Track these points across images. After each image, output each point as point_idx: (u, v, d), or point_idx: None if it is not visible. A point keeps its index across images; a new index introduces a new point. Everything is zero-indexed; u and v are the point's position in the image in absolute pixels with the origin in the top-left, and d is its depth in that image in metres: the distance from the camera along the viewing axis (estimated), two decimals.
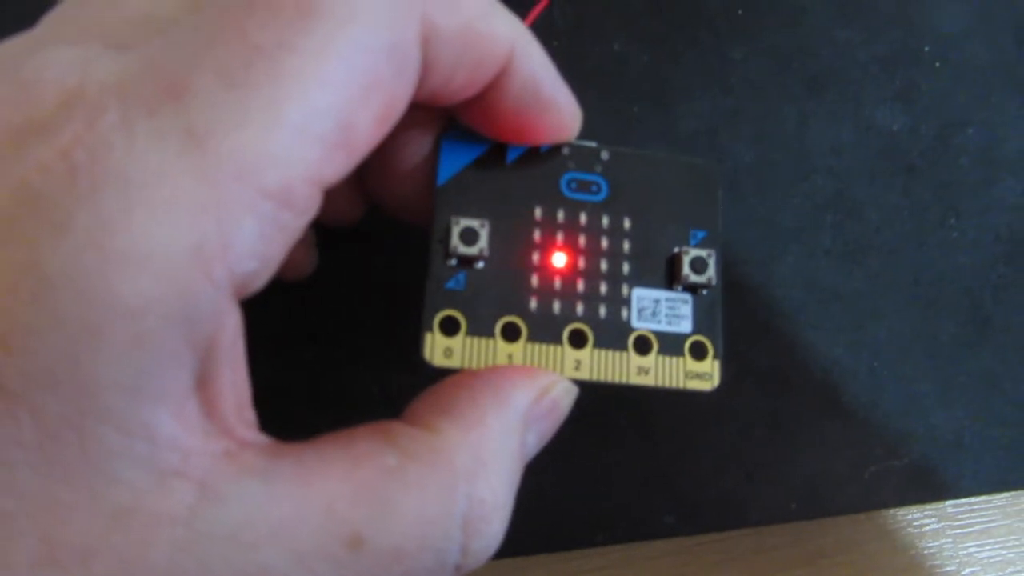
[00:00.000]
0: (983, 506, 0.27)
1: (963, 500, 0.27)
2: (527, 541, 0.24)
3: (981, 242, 0.28)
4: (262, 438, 0.14)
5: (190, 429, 0.13)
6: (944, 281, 0.27)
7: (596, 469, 0.25)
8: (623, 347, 0.19)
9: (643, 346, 0.19)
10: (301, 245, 0.23)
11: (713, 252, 0.20)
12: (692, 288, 0.20)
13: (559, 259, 0.19)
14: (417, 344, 0.18)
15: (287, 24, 0.13)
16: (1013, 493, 0.27)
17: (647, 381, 0.19)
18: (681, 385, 0.19)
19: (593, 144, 0.20)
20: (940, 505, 0.27)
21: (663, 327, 0.19)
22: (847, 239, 0.27)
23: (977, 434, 0.26)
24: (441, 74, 0.16)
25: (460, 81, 0.16)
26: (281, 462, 0.14)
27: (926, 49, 0.30)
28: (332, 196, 0.21)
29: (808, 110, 0.29)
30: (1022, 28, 0.30)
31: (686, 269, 0.19)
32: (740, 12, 0.30)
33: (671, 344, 0.19)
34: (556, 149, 0.20)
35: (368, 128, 0.14)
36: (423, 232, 0.19)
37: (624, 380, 0.19)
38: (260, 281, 0.14)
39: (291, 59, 0.13)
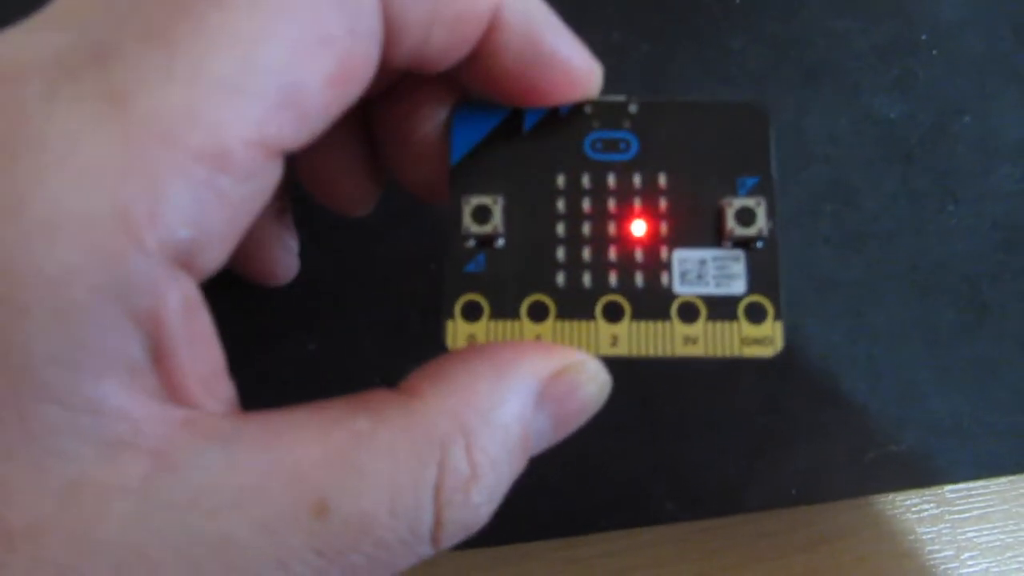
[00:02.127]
0: (981, 491, 0.28)
1: (961, 485, 0.27)
2: (529, 528, 0.24)
3: (978, 229, 0.28)
4: (232, 409, 0.14)
5: (142, 400, 0.12)
6: (942, 268, 0.28)
7: (597, 455, 0.25)
8: (665, 316, 0.17)
9: (689, 313, 0.17)
10: (276, 246, 0.23)
11: (763, 200, 0.18)
12: (743, 243, 0.18)
13: (586, 228, 0.18)
14: (438, 332, 0.17)
15: None
16: (1011, 478, 0.27)
17: (696, 351, 0.17)
18: (737, 352, 0.17)
19: (621, 97, 0.19)
20: (939, 490, 0.27)
21: (711, 290, 0.18)
22: (845, 227, 0.28)
23: (975, 419, 0.26)
24: (414, 32, 0.15)
25: (440, 40, 0.15)
26: (246, 428, 0.13)
27: (923, 38, 0.30)
28: (343, 184, 0.21)
29: (806, 99, 0.29)
30: (1019, 17, 0.31)
31: (731, 222, 0.17)
32: (738, 2, 0.30)
33: (722, 308, 0.17)
34: (578, 109, 0.18)
35: (319, 88, 0.13)
36: (426, 213, 0.19)
37: (669, 353, 0.17)
38: (212, 255, 0.13)
39: (219, 14, 0.12)
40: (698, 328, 0.17)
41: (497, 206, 0.18)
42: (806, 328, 0.26)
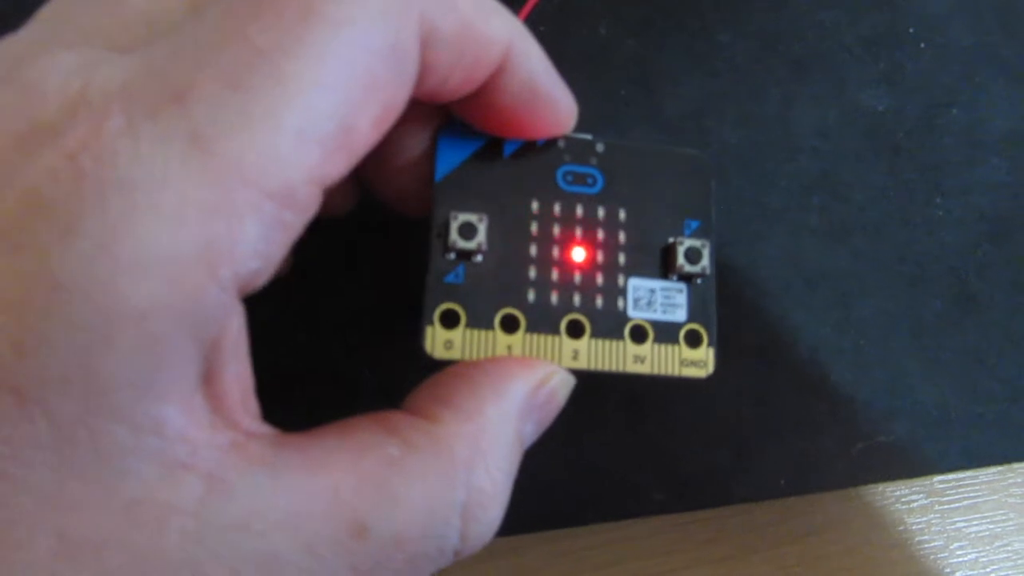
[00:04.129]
0: (970, 481, 0.28)
1: (950, 476, 0.27)
2: (519, 521, 0.24)
3: (965, 221, 0.28)
4: (266, 428, 0.15)
5: (197, 423, 0.13)
6: (929, 259, 0.28)
7: (586, 448, 0.25)
8: (620, 336, 0.19)
9: (639, 335, 0.19)
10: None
11: (707, 242, 0.20)
12: (687, 277, 0.20)
13: (556, 251, 0.20)
14: (418, 337, 0.18)
15: (288, 28, 0.13)
16: (999, 468, 0.28)
17: (643, 369, 0.19)
18: (676, 372, 0.19)
19: (588, 137, 0.20)
20: (928, 481, 0.27)
21: (659, 316, 0.20)
22: (833, 219, 0.28)
23: (963, 410, 0.26)
24: (439, 73, 0.16)
25: (458, 79, 0.17)
26: (286, 453, 0.14)
27: (911, 30, 0.30)
28: (328, 191, 0.21)
29: (793, 92, 0.29)
30: (1006, 9, 0.31)
31: (681, 259, 0.20)
32: None
33: (666, 332, 0.20)
34: (552, 142, 0.20)
35: (367, 128, 0.14)
36: (417, 221, 0.19)
37: (621, 369, 0.19)
38: (262, 279, 0.14)
39: (292, 63, 0.13)
40: (646, 348, 0.19)
41: (482, 224, 0.19)
42: (794, 319, 0.27)
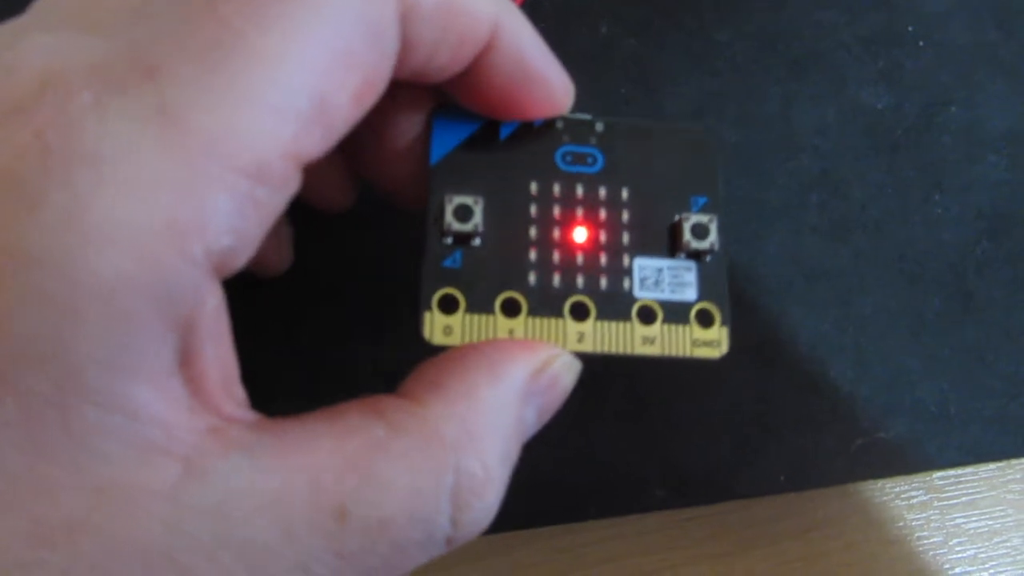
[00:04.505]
0: (970, 477, 0.28)
1: (950, 472, 0.27)
2: (519, 515, 0.24)
3: (964, 218, 0.28)
4: (250, 414, 0.14)
5: (174, 405, 0.13)
6: (928, 257, 0.28)
7: (586, 444, 0.25)
8: (627, 317, 0.19)
9: (647, 316, 0.19)
10: (275, 241, 0.23)
11: (715, 217, 0.19)
12: (695, 255, 0.19)
13: (556, 233, 0.19)
14: (416, 323, 0.18)
15: (260, 3, 0.13)
16: (999, 464, 0.28)
17: (653, 351, 0.19)
18: (688, 353, 0.19)
19: (587, 116, 0.20)
20: (927, 477, 0.28)
21: (667, 296, 0.19)
22: (832, 217, 0.28)
23: (962, 406, 0.27)
24: (422, 51, 0.16)
25: (443, 58, 0.16)
26: (267, 436, 0.14)
27: (909, 29, 0.30)
28: (322, 181, 0.21)
29: (793, 91, 0.29)
30: (1004, 8, 0.31)
31: (687, 235, 0.19)
32: None
33: (676, 312, 0.19)
34: (550, 123, 0.20)
35: (345, 105, 0.14)
36: (418, 214, 0.19)
37: (629, 351, 0.19)
38: (240, 259, 0.14)
39: (264, 37, 0.13)
40: (655, 329, 0.19)
41: (478, 206, 0.18)
42: (794, 317, 0.27)
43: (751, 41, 0.29)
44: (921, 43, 0.30)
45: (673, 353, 0.19)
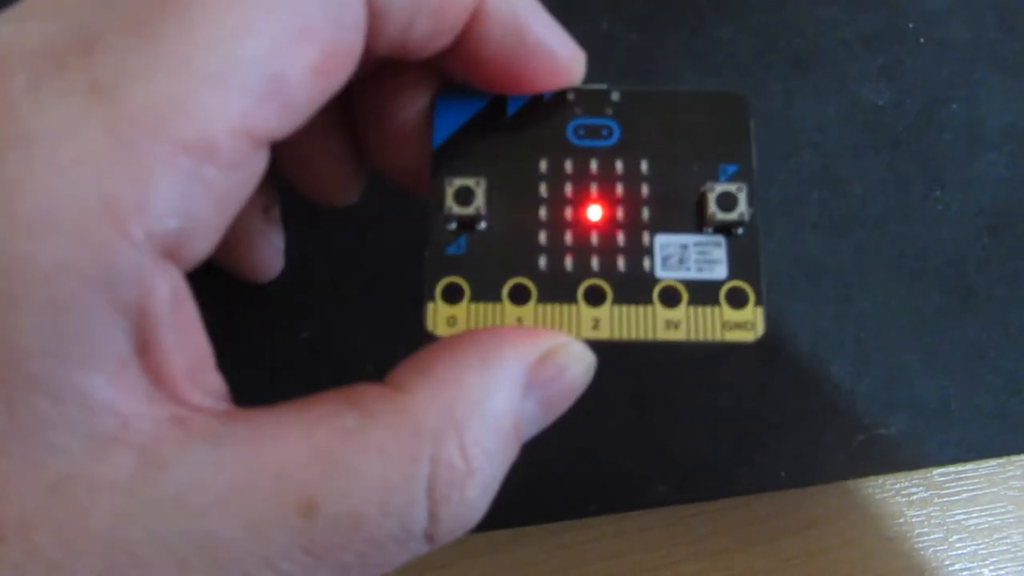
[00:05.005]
0: (970, 474, 0.28)
1: (950, 468, 0.27)
2: (520, 512, 0.24)
3: (965, 215, 0.28)
4: (222, 404, 0.14)
5: (130, 394, 0.12)
6: (929, 253, 0.28)
7: (588, 441, 0.25)
8: (648, 300, 0.17)
9: (671, 298, 0.17)
10: (262, 243, 0.23)
11: (744, 186, 0.18)
12: (724, 228, 0.18)
13: (569, 212, 0.18)
14: (419, 315, 0.17)
15: None
16: (999, 460, 0.28)
17: (678, 336, 0.17)
18: (719, 337, 0.17)
19: (602, 86, 0.19)
20: (928, 473, 0.28)
21: (693, 275, 0.17)
22: (833, 213, 0.28)
23: (963, 403, 0.27)
24: (397, 20, 0.15)
25: (424, 29, 0.15)
26: (233, 426, 0.13)
27: (910, 26, 0.30)
28: (326, 173, 0.21)
29: (794, 87, 0.29)
30: (1004, 5, 0.31)
31: (712, 207, 0.17)
32: None
33: (704, 293, 0.17)
34: (560, 96, 0.18)
35: (304, 79, 0.13)
36: (422, 205, 0.18)
37: (651, 337, 0.17)
38: (198, 245, 0.13)
39: (203, 7, 0.12)
40: (680, 312, 0.17)
41: (480, 188, 0.18)
42: (795, 313, 0.27)
43: (752, 38, 0.29)
44: (922, 40, 0.30)
45: (701, 338, 0.17)
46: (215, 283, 0.14)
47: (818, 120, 0.29)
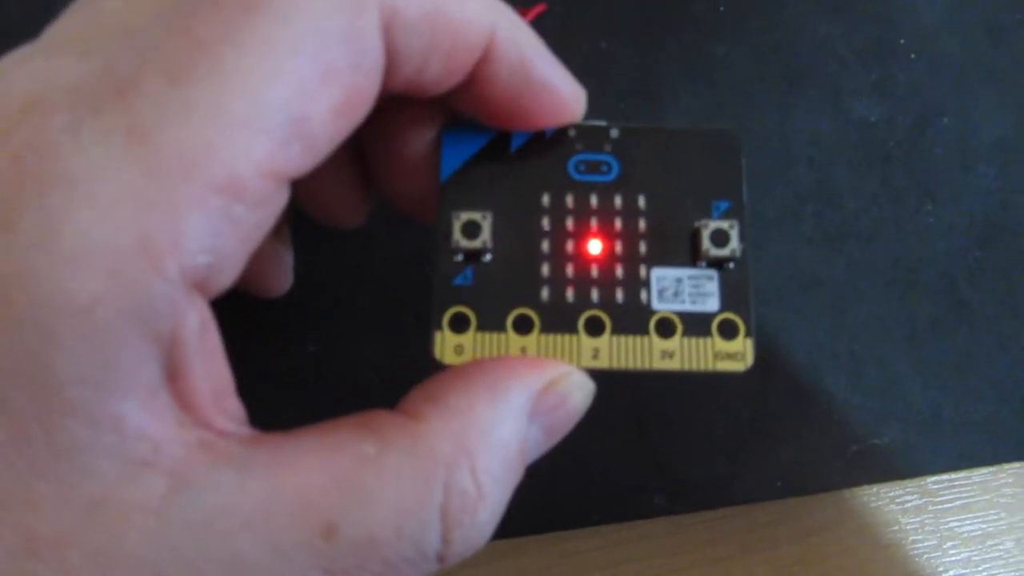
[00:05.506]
0: (963, 482, 0.28)
1: (944, 476, 0.28)
2: (523, 522, 0.25)
3: (956, 227, 0.29)
4: (244, 429, 0.14)
5: (161, 420, 0.13)
6: (921, 265, 0.28)
7: (588, 452, 0.25)
8: (644, 331, 0.18)
9: (666, 329, 0.18)
10: (274, 262, 0.24)
11: (736, 223, 0.18)
12: (716, 263, 0.18)
13: (570, 245, 0.19)
14: (427, 343, 0.18)
15: (230, 19, 0.13)
16: (991, 468, 0.28)
17: (672, 366, 0.18)
18: (711, 367, 0.18)
19: (602, 123, 0.19)
20: (921, 481, 0.28)
21: (687, 307, 0.18)
22: (827, 227, 0.28)
23: (955, 412, 0.27)
24: (411, 62, 0.16)
25: (436, 69, 0.16)
26: (258, 451, 0.14)
27: (902, 42, 0.31)
28: (335, 199, 0.22)
29: (788, 103, 0.30)
30: (994, 20, 0.31)
31: (706, 243, 0.18)
32: (722, 9, 0.30)
33: (697, 324, 0.18)
34: (562, 132, 0.19)
35: (326, 120, 0.14)
36: (428, 226, 0.19)
37: (647, 366, 0.18)
38: (224, 276, 0.14)
39: (235, 53, 0.13)
40: (674, 343, 0.18)
41: (486, 222, 0.18)
42: (790, 325, 0.27)
43: (747, 55, 0.30)
44: (913, 56, 0.31)
45: (694, 367, 0.18)
46: (226, 298, 0.14)
47: (812, 135, 0.29)
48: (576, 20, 0.29)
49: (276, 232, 0.23)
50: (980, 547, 0.28)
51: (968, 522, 0.28)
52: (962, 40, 0.31)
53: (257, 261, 0.23)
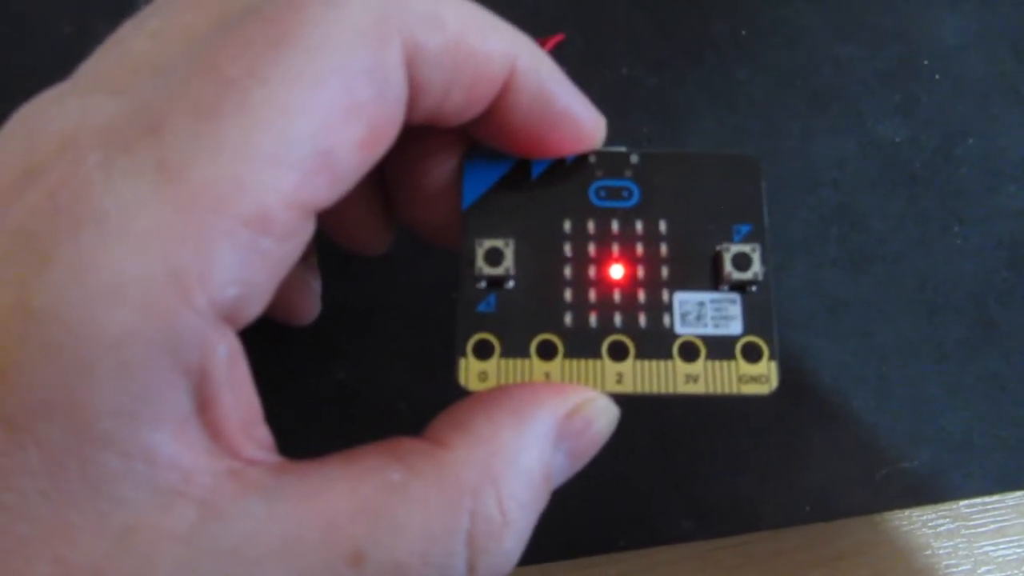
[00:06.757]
0: (997, 505, 0.28)
1: (976, 500, 0.28)
2: (549, 547, 0.25)
3: (984, 248, 0.29)
4: (272, 457, 0.15)
5: (192, 449, 0.13)
6: (949, 287, 0.28)
7: (614, 476, 0.25)
8: (667, 355, 0.18)
9: (690, 353, 0.18)
10: (301, 290, 0.24)
11: (757, 246, 0.19)
12: (739, 286, 0.19)
13: (592, 271, 0.19)
14: (452, 369, 0.18)
15: (257, 54, 0.13)
16: None
17: (697, 389, 0.18)
18: (735, 391, 0.18)
19: (621, 149, 0.20)
20: (954, 505, 0.28)
21: (710, 331, 0.18)
22: (853, 249, 0.28)
23: (986, 434, 0.27)
24: (434, 94, 0.16)
25: (457, 100, 0.16)
26: (285, 480, 0.14)
27: (925, 63, 0.31)
28: (360, 227, 0.22)
29: (812, 125, 0.30)
30: (1018, 39, 0.31)
31: (728, 266, 0.18)
32: (744, 33, 0.31)
33: (721, 348, 0.18)
34: (582, 159, 0.19)
35: (351, 153, 0.14)
36: (452, 252, 0.19)
37: (671, 390, 0.18)
38: (252, 307, 0.14)
39: (262, 89, 0.13)
40: (698, 367, 0.18)
41: (509, 249, 0.18)
42: (816, 348, 0.27)
43: (770, 77, 0.30)
44: (937, 76, 0.31)
45: (718, 391, 0.18)
46: (254, 325, 0.15)
47: (836, 157, 0.29)
48: (597, 47, 0.30)
49: (304, 260, 0.23)
50: (1016, 571, 0.27)
51: (1003, 546, 0.28)
52: (986, 59, 0.31)
53: (285, 289, 0.23)
